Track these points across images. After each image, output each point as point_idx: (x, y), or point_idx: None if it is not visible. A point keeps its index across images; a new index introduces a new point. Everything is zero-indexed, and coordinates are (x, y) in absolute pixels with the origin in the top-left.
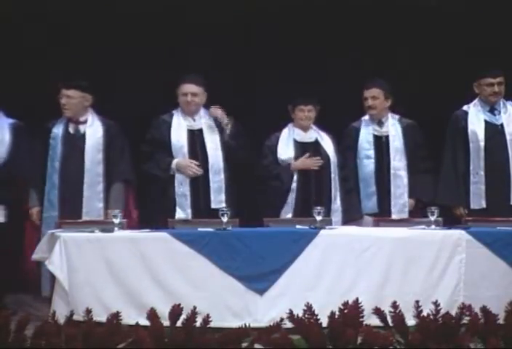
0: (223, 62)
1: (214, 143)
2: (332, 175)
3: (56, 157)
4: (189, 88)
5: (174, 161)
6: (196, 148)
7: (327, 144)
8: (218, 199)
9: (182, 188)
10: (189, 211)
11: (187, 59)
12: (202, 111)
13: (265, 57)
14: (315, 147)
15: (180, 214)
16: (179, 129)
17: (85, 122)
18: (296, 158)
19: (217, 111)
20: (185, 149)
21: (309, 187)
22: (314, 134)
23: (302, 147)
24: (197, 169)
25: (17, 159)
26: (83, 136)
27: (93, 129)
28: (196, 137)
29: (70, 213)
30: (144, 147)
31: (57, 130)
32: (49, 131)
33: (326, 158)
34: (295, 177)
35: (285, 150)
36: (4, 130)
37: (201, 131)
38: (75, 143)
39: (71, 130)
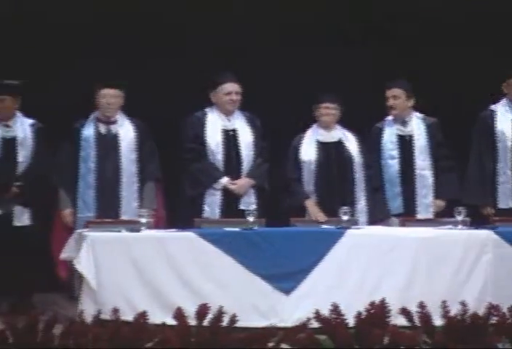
0: (249, 62)
1: (248, 144)
2: (356, 175)
3: (90, 158)
4: (233, 87)
5: (225, 181)
6: (230, 149)
7: (351, 144)
8: (248, 200)
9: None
10: (217, 210)
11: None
12: (237, 112)
13: (290, 56)
14: (337, 147)
15: (207, 213)
16: (214, 129)
17: (115, 122)
18: (318, 158)
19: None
20: (220, 149)
21: (333, 188)
22: (338, 133)
23: (324, 148)
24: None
25: (40, 161)
26: (115, 136)
27: (125, 129)
28: (230, 138)
29: (108, 213)
30: (190, 144)
31: (88, 131)
32: (79, 131)
33: (348, 158)
34: (317, 179)
35: (307, 151)
36: (26, 132)
37: (235, 131)
38: (108, 144)
39: (102, 130)
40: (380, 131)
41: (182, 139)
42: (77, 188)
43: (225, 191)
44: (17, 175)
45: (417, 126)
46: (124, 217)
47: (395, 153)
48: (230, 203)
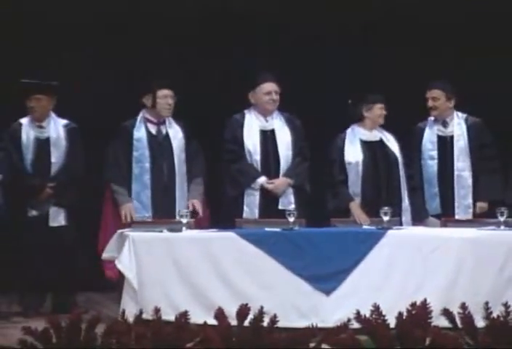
0: (292, 61)
1: (286, 144)
2: (401, 173)
3: (144, 158)
4: (272, 86)
5: (262, 181)
6: (268, 149)
7: (392, 143)
8: (287, 200)
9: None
10: (256, 211)
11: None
12: (275, 112)
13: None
14: (381, 147)
15: (247, 213)
16: (251, 130)
17: (164, 123)
18: (364, 159)
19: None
20: (258, 149)
21: (379, 188)
22: (378, 133)
23: (368, 147)
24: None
25: (73, 162)
26: (167, 137)
27: (174, 130)
28: (268, 138)
29: (164, 213)
30: (230, 145)
31: (139, 131)
32: (129, 132)
33: (393, 156)
34: (364, 179)
35: (353, 151)
36: (59, 133)
37: (273, 132)
38: (161, 144)
39: (153, 131)
40: (422, 131)
41: (223, 141)
42: (131, 187)
43: (264, 191)
44: (51, 176)
45: (458, 126)
46: (178, 218)
47: (434, 153)
48: (269, 203)
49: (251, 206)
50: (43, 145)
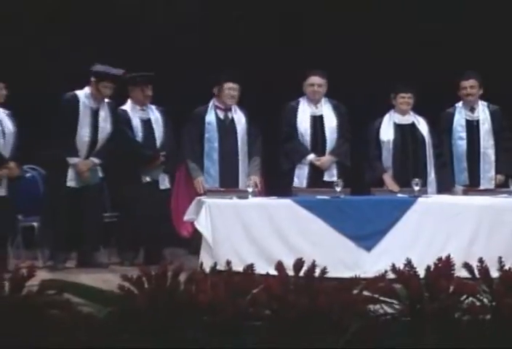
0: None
1: (332, 128)
2: (427, 153)
3: (214, 139)
4: (315, 80)
5: (311, 157)
6: (317, 131)
7: (423, 126)
8: (330, 174)
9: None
10: (304, 181)
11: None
12: (323, 100)
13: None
14: (411, 129)
15: (296, 183)
16: (304, 115)
17: (230, 109)
18: (395, 138)
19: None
20: (308, 132)
21: (407, 163)
22: (411, 118)
23: (400, 129)
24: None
25: (169, 137)
26: (232, 121)
27: (238, 116)
28: (317, 122)
29: (229, 184)
30: (285, 128)
31: (209, 116)
32: (202, 116)
33: (421, 138)
34: (395, 155)
35: (386, 132)
36: (155, 114)
37: (321, 117)
38: (227, 127)
39: (221, 116)
40: (451, 115)
41: (279, 124)
42: (203, 163)
43: (312, 166)
44: (158, 148)
45: (482, 112)
46: (240, 187)
47: (463, 134)
48: (316, 175)
49: (300, 177)
50: (147, 125)
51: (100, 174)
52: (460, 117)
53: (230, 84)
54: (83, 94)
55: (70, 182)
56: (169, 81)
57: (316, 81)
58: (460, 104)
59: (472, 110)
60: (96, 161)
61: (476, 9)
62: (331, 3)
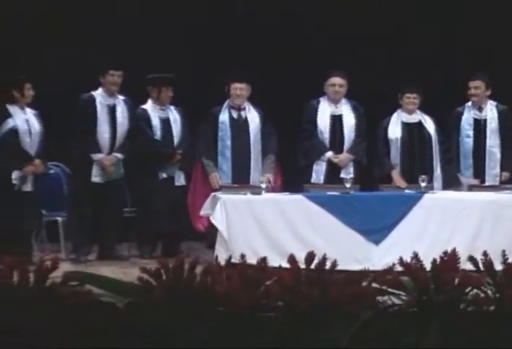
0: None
1: (350, 127)
2: (433, 150)
3: (227, 137)
4: (336, 80)
5: (329, 155)
6: (336, 130)
7: (429, 125)
8: (347, 171)
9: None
10: (322, 177)
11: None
12: (343, 100)
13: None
14: (418, 127)
15: (314, 179)
16: (324, 114)
17: (244, 109)
18: (402, 136)
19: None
20: (327, 130)
21: (414, 161)
22: (418, 116)
23: (408, 127)
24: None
25: (186, 136)
26: (245, 120)
27: (252, 115)
28: (336, 121)
29: (241, 180)
30: (305, 125)
31: (223, 116)
32: (216, 116)
33: (428, 136)
34: (402, 153)
35: (394, 130)
36: (174, 114)
37: (340, 116)
38: (241, 126)
39: (234, 116)
40: (460, 114)
41: (300, 122)
42: (217, 160)
43: (330, 163)
44: (175, 146)
45: (490, 112)
46: (252, 183)
47: (470, 132)
48: (333, 172)
49: (318, 173)
50: (166, 124)
51: (122, 170)
52: (468, 116)
53: (236, 84)
54: (98, 93)
55: (95, 177)
56: (189, 81)
57: (336, 82)
58: (469, 103)
59: (480, 109)
60: (119, 155)
61: (490, 9)
62: (351, 4)
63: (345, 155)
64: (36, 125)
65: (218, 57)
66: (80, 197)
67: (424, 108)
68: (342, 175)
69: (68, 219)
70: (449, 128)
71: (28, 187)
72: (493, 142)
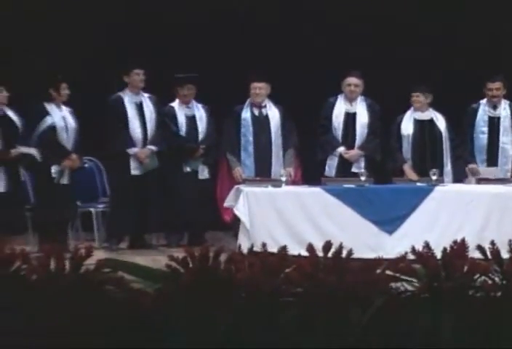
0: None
1: (363, 124)
2: (444, 146)
3: (249, 133)
4: (352, 80)
5: (341, 150)
6: (349, 127)
7: (441, 122)
8: (358, 166)
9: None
10: (333, 171)
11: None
12: (359, 98)
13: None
14: (430, 124)
15: (327, 172)
16: (339, 111)
17: (265, 106)
18: (414, 133)
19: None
20: (341, 126)
21: (425, 155)
22: (430, 114)
23: (420, 124)
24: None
25: (211, 132)
26: (266, 117)
27: (272, 112)
28: (350, 119)
29: (263, 174)
30: (322, 121)
31: (245, 113)
32: (238, 113)
33: (439, 133)
34: (414, 148)
35: (406, 127)
36: (200, 111)
37: (354, 114)
38: (262, 123)
39: (256, 113)
40: (475, 111)
41: (318, 117)
42: (240, 155)
43: (341, 157)
44: (200, 142)
45: (504, 110)
46: (273, 177)
47: (485, 129)
48: (344, 166)
49: (330, 167)
50: (192, 121)
51: (157, 161)
52: (482, 113)
53: (254, 84)
54: (125, 93)
55: (134, 170)
56: (216, 82)
57: (352, 82)
58: (483, 101)
59: (494, 107)
60: (153, 147)
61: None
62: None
63: (355, 151)
64: (71, 122)
65: (242, 58)
66: (121, 190)
67: (437, 106)
68: (354, 170)
69: (109, 210)
70: (463, 124)
71: (65, 181)
72: (506, 139)
